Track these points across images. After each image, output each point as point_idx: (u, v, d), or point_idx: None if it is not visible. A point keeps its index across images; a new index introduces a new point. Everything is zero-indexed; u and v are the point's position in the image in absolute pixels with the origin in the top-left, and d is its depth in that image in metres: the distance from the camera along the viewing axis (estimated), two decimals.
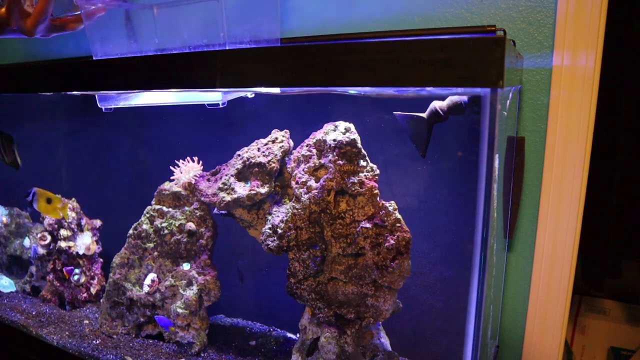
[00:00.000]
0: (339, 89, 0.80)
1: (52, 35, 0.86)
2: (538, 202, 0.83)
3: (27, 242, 1.31)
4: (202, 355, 1.00)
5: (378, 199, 0.82)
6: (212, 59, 0.70)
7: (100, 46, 0.86)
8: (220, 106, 0.90)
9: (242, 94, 0.96)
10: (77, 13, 0.85)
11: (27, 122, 1.55)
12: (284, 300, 0.91)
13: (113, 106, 1.03)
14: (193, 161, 1.03)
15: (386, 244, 0.80)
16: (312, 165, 0.85)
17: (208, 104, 0.91)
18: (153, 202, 1.06)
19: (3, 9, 0.78)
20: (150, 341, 1.05)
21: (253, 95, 0.99)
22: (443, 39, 0.59)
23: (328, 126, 0.86)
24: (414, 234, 0.83)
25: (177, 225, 1.02)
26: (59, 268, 1.21)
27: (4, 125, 1.27)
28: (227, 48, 0.75)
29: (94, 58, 0.86)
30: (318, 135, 0.86)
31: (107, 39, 0.85)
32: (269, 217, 0.89)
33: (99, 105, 1.02)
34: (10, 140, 1.21)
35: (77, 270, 1.21)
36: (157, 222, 1.04)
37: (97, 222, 1.28)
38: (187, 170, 1.02)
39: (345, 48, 0.65)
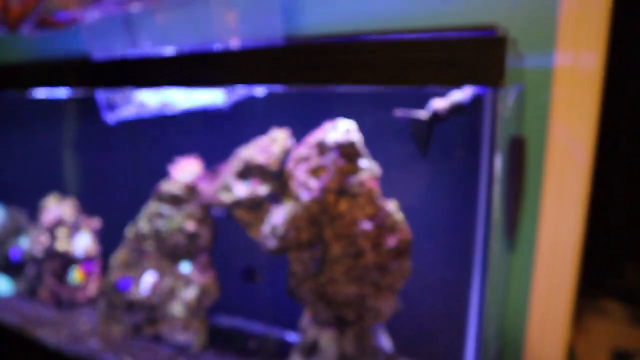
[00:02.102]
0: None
1: (36, 33, 0.85)
2: (540, 203, 0.82)
3: (24, 242, 1.30)
4: (202, 356, 0.99)
5: (378, 199, 0.81)
6: (212, 58, 0.69)
7: (100, 53, 0.85)
8: (225, 109, 0.90)
9: (247, 94, 0.95)
10: (67, 17, 0.85)
11: (28, 123, 1.54)
12: (284, 301, 0.91)
13: (119, 119, 1.02)
14: (192, 161, 1.03)
15: (386, 244, 0.80)
16: (312, 165, 0.85)
17: (213, 108, 0.90)
18: (152, 202, 1.06)
19: None
20: (149, 342, 1.04)
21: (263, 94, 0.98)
22: (444, 38, 0.59)
23: (328, 126, 0.85)
24: (415, 234, 0.82)
25: (176, 225, 1.01)
26: (56, 268, 1.20)
27: (6, 126, 1.27)
28: (228, 47, 0.75)
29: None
30: (318, 135, 0.86)
31: (107, 48, 0.85)
32: (269, 217, 0.89)
33: (106, 119, 1.01)
34: None
35: (74, 271, 1.20)
36: (156, 222, 1.04)
37: (96, 222, 1.27)
38: (186, 170, 1.02)
39: (345, 47, 0.65)
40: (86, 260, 1.22)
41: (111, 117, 1.01)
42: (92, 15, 0.82)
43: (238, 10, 0.78)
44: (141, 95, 0.99)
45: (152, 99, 0.99)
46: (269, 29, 0.86)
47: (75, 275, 1.17)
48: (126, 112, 1.01)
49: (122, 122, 1.03)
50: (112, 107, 1.00)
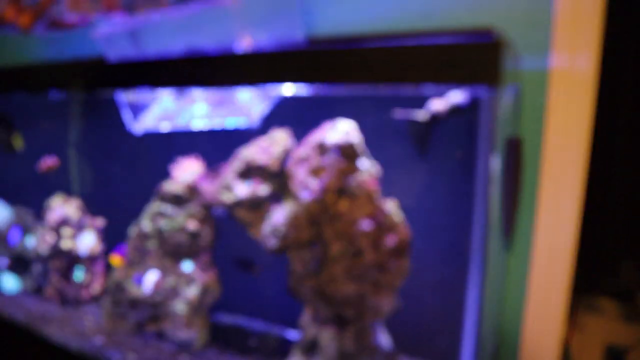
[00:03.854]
0: None
1: (48, 33, 0.86)
2: (537, 202, 0.83)
3: (30, 240, 1.32)
4: (203, 353, 1.01)
5: (378, 198, 0.82)
6: (222, 60, 0.71)
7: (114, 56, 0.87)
8: (254, 128, 0.92)
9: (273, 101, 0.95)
10: (78, 19, 0.86)
11: (34, 123, 1.55)
12: (284, 300, 0.92)
13: (145, 130, 1.03)
14: (194, 161, 1.04)
15: (386, 244, 0.81)
16: (312, 165, 0.86)
17: (242, 129, 0.92)
18: (154, 202, 1.07)
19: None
20: (152, 340, 1.06)
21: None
22: (442, 41, 0.60)
23: (328, 126, 0.86)
24: (414, 233, 0.83)
25: (177, 225, 1.03)
26: (62, 267, 1.22)
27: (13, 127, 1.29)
28: (243, 50, 0.76)
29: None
30: (318, 135, 0.87)
31: (121, 50, 0.86)
32: (269, 217, 0.90)
33: (131, 130, 1.02)
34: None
35: (79, 269, 1.22)
36: (158, 221, 1.05)
37: (100, 221, 1.29)
38: (188, 170, 1.03)
39: (347, 49, 0.66)
40: (90, 259, 1.24)
41: (137, 127, 1.02)
42: (105, 20, 0.83)
43: (258, 11, 0.79)
44: (166, 107, 1.00)
45: (177, 110, 1.00)
46: (290, 30, 0.87)
47: (113, 261, 1.17)
48: (151, 122, 1.02)
49: (148, 134, 1.04)
50: (135, 115, 1.01)
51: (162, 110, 1.01)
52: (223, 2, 0.73)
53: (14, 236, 1.30)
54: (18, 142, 1.27)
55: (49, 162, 1.18)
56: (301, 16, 0.90)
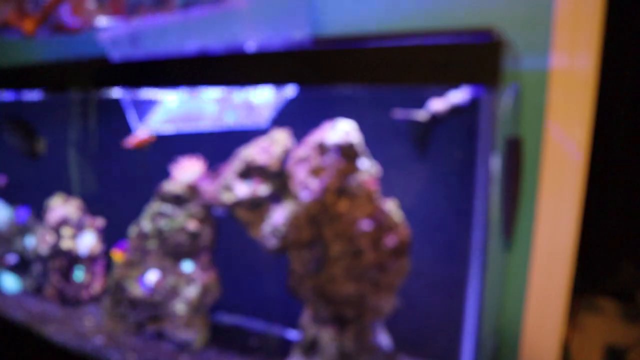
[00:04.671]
0: None
1: (51, 37, 0.86)
2: (537, 202, 0.83)
3: (30, 241, 1.32)
4: (203, 353, 1.01)
5: (377, 198, 0.82)
6: (226, 59, 0.71)
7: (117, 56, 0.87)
8: (264, 128, 0.93)
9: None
10: (82, 23, 0.86)
11: (34, 123, 1.55)
12: (285, 299, 0.92)
13: (151, 131, 1.03)
14: (194, 161, 1.04)
15: (386, 244, 0.81)
16: (312, 165, 0.86)
17: (253, 129, 0.93)
18: (154, 202, 1.07)
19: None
20: (152, 340, 1.06)
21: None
22: (442, 41, 0.60)
23: (328, 126, 0.86)
24: (414, 233, 0.83)
25: (177, 225, 1.03)
26: (62, 267, 1.22)
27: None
28: (240, 50, 0.76)
29: None
30: (318, 135, 0.87)
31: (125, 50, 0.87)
32: (269, 217, 0.90)
33: (136, 131, 1.03)
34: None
35: (79, 269, 1.22)
36: (158, 221, 1.05)
37: (100, 222, 1.29)
38: (188, 170, 1.03)
39: (347, 49, 0.66)
40: (90, 259, 1.24)
41: (141, 128, 1.02)
42: (110, 23, 0.84)
43: (266, 12, 0.79)
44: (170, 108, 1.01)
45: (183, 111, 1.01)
46: (295, 30, 0.87)
47: (115, 256, 1.16)
48: (155, 123, 1.02)
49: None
50: (139, 115, 1.01)
51: (166, 112, 1.02)
52: (234, 5, 0.73)
53: (22, 215, 1.30)
54: (40, 147, 1.27)
55: (141, 135, 0.99)
56: (307, 16, 0.90)
